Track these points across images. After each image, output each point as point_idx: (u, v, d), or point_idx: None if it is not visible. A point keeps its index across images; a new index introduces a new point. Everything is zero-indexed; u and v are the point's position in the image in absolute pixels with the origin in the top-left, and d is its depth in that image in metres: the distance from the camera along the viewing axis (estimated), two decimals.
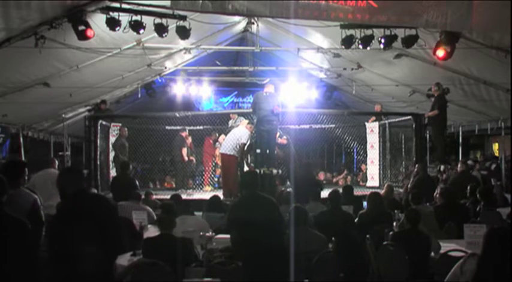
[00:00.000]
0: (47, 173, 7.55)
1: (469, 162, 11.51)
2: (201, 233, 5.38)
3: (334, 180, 14.23)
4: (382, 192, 8.55)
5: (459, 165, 9.77)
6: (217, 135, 12.38)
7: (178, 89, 14.31)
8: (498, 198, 7.91)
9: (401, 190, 9.60)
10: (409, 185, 9.18)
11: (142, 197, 8.54)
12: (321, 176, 14.55)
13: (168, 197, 9.97)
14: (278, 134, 11.06)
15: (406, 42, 8.20)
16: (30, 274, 3.39)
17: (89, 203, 3.61)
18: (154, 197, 8.93)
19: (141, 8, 7.64)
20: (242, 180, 5.02)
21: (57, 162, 8.36)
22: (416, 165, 9.49)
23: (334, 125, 13.42)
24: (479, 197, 7.15)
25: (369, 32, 8.29)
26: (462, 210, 6.81)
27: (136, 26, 7.65)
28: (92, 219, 3.44)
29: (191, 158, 12.42)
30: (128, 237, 5.25)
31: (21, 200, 4.71)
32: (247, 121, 10.70)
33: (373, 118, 12.66)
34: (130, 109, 15.42)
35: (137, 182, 9.22)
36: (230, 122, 12.20)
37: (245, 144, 10.35)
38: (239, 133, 10.40)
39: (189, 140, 12.55)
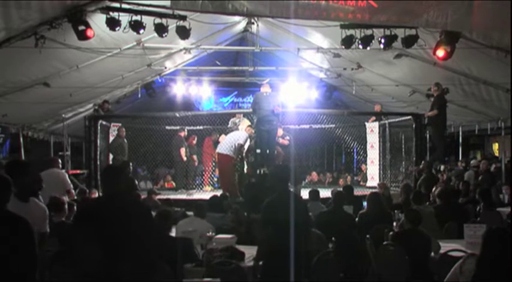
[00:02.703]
0: (50, 173, 7.55)
1: (473, 162, 11.53)
2: (201, 233, 5.38)
3: (327, 181, 14.22)
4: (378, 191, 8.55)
5: (482, 164, 9.81)
6: (217, 135, 12.38)
7: (178, 89, 14.31)
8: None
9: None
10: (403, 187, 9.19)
11: (144, 196, 8.57)
12: (314, 177, 14.54)
13: (169, 196, 10.04)
14: (282, 133, 11.06)
15: (406, 42, 8.20)
16: (32, 273, 3.39)
17: (114, 207, 3.56)
18: (156, 197, 8.93)
19: (141, 8, 7.64)
20: (275, 175, 4.82)
21: (60, 161, 8.36)
22: (422, 163, 9.48)
23: (334, 125, 13.41)
24: (478, 197, 7.16)
25: (369, 32, 8.29)
26: (462, 211, 6.81)
27: (136, 26, 7.66)
28: (112, 224, 3.42)
29: (193, 156, 12.41)
30: None
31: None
32: (247, 124, 10.70)
33: (373, 118, 12.65)
34: (130, 109, 15.41)
35: (136, 182, 9.23)
36: (232, 121, 12.11)
37: (242, 145, 10.35)
38: (238, 135, 10.43)
39: (194, 140, 12.56)
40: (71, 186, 7.84)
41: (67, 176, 7.99)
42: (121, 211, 3.55)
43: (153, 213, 6.92)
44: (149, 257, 3.54)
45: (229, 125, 12.05)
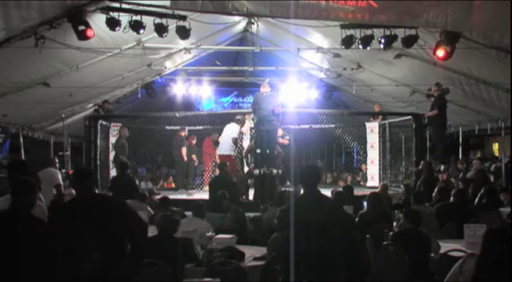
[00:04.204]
0: (45, 173, 7.62)
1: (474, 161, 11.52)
2: (201, 233, 5.39)
3: (327, 181, 14.20)
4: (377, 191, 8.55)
5: (474, 164, 9.79)
6: (217, 135, 12.37)
7: (178, 89, 14.33)
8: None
9: (401, 190, 9.59)
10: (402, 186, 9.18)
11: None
12: None
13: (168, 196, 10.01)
14: (281, 133, 11.06)
15: (406, 42, 8.20)
16: (53, 273, 3.44)
17: (88, 205, 3.60)
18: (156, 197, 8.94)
19: (141, 8, 7.64)
20: (302, 175, 4.66)
21: (57, 161, 8.42)
22: (422, 163, 9.48)
23: (334, 125, 13.41)
24: (484, 194, 7.17)
25: (369, 32, 8.29)
26: (463, 210, 6.80)
27: (137, 26, 7.66)
28: (88, 222, 3.46)
29: (193, 156, 12.41)
30: None
31: None
32: (238, 118, 10.78)
33: (378, 118, 12.57)
34: (131, 109, 15.42)
35: (137, 182, 9.23)
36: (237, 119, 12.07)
37: (236, 139, 10.41)
38: (230, 130, 10.52)
39: (194, 140, 12.58)
40: (60, 182, 7.96)
41: (59, 174, 8.20)
42: (96, 210, 3.60)
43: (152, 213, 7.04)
44: (125, 254, 3.60)
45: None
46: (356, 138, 13.48)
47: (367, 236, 5.67)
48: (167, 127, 12.60)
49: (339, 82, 13.80)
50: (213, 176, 12.30)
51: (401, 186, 9.33)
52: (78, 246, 3.38)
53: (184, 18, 8.01)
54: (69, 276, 3.40)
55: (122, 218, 3.64)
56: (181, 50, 11.13)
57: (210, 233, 5.39)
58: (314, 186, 4.49)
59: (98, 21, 7.57)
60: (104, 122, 11.20)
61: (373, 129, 12.43)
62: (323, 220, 4.24)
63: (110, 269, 3.42)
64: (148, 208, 7.38)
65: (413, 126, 10.82)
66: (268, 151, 9.59)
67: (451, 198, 6.97)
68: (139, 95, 13.81)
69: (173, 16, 7.87)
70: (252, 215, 7.61)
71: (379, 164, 12.14)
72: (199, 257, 4.82)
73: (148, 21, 7.76)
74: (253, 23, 10.61)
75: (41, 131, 12.70)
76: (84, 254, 3.35)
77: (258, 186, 9.57)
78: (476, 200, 7.53)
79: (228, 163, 9.30)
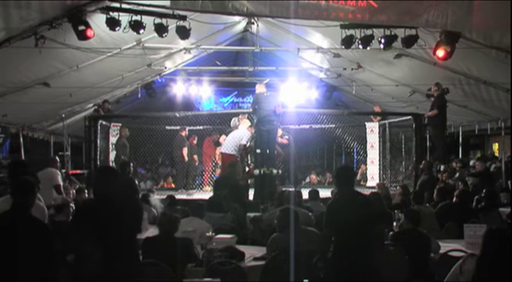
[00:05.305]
0: (45, 173, 7.60)
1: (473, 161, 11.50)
2: (201, 233, 5.39)
3: (327, 181, 14.19)
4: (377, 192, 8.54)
5: (478, 165, 9.80)
6: (217, 135, 12.37)
7: (178, 89, 14.32)
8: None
9: (397, 190, 9.57)
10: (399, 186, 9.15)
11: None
12: (313, 179, 14.54)
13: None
14: (281, 132, 11.05)
15: (406, 42, 8.20)
16: (55, 274, 3.45)
17: (109, 206, 3.61)
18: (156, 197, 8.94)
19: (141, 8, 7.65)
20: (337, 176, 4.73)
21: (58, 161, 8.40)
22: (423, 162, 9.46)
23: (334, 125, 13.41)
24: (484, 197, 7.17)
25: (369, 32, 8.30)
26: (469, 210, 6.81)
27: (136, 26, 7.66)
28: (109, 223, 3.48)
29: (194, 156, 12.41)
30: None
31: None
32: (248, 124, 10.70)
33: (378, 118, 12.56)
34: (130, 109, 15.43)
35: (137, 182, 9.23)
36: (234, 119, 12.05)
37: (245, 145, 10.36)
38: (241, 134, 10.43)
39: (195, 140, 12.58)
40: (60, 182, 7.92)
41: (59, 174, 8.11)
42: (118, 210, 3.60)
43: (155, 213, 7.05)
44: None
45: (231, 124, 12.01)
46: (356, 138, 13.48)
47: None
48: (167, 127, 12.60)
49: (339, 82, 13.81)
50: (213, 176, 12.33)
51: (397, 187, 9.31)
52: (96, 245, 3.38)
53: (184, 18, 8.01)
54: (84, 276, 3.41)
55: (139, 218, 3.67)
56: (181, 50, 11.13)
57: (210, 233, 5.39)
58: (350, 186, 4.51)
59: (98, 21, 7.57)
60: (104, 122, 11.19)
61: (373, 129, 12.44)
62: (363, 218, 4.26)
63: (123, 268, 3.43)
64: (151, 209, 7.39)
65: (413, 126, 10.81)
66: (268, 151, 9.58)
67: (454, 198, 6.97)
68: (139, 95, 13.82)
69: (173, 16, 7.87)
70: (252, 215, 7.60)
71: (379, 164, 12.15)
72: (199, 257, 4.82)
73: (148, 21, 7.76)
74: (253, 23, 10.61)
75: (41, 131, 12.71)
76: (100, 253, 3.36)
77: (258, 186, 9.56)
78: (475, 201, 7.53)
79: (239, 164, 9.26)
